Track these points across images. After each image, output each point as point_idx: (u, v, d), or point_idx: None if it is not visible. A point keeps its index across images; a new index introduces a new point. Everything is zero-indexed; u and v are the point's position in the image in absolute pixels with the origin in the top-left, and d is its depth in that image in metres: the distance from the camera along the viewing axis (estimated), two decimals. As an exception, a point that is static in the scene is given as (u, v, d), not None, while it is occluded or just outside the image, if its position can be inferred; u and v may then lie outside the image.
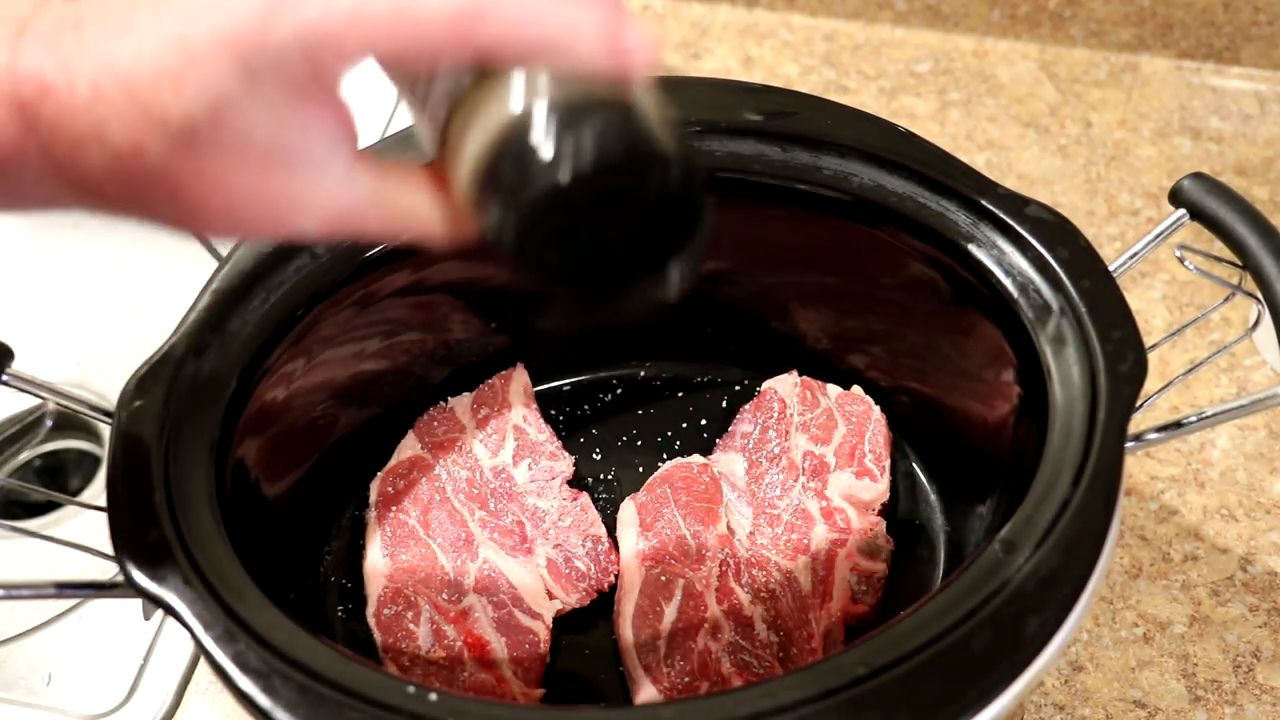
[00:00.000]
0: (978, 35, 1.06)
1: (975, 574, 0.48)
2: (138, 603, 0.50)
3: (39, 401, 0.65)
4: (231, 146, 0.35)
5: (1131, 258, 0.61)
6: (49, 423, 0.83)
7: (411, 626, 0.63)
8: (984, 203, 0.61)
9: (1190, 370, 0.61)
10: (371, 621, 0.64)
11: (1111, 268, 0.59)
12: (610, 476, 0.73)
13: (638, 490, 0.69)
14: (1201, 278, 0.62)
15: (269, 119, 0.35)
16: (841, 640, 0.64)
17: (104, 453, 0.73)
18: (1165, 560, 0.72)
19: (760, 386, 0.74)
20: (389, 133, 0.79)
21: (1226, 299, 0.61)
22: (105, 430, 0.79)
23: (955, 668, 0.45)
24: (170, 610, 0.48)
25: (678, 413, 0.76)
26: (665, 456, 0.73)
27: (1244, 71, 1.02)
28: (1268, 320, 0.55)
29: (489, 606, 0.65)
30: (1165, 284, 0.87)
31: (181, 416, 0.55)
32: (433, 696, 0.46)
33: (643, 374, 0.78)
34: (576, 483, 0.72)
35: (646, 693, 0.61)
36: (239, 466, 0.58)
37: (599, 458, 0.74)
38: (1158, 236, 0.61)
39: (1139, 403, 0.53)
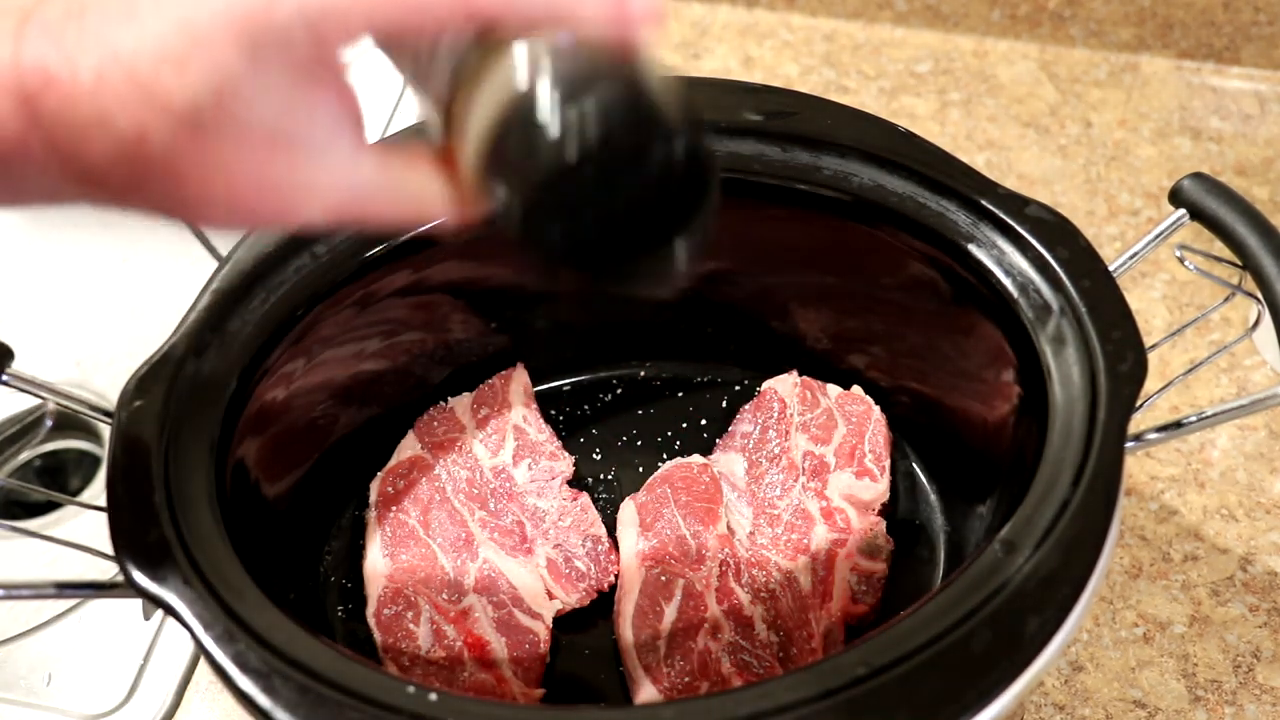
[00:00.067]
0: (978, 35, 1.06)
1: (975, 574, 0.48)
2: (138, 603, 0.50)
3: (39, 401, 0.65)
4: (236, 130, 0.35)
5: (1131, 258, 0.61)
6: (49, 423, 0.83)
7: (411, 626, 0.63)
8: (984, 203, 0.61)
9: (1190, 370, 0.61)
10: (371, 621, 0.64)
11: (1111, 268, 0.59)
12: (610, 476, 0.73)
13: (638, 490, 0.69)
14: (1201, 278, 0.62)
15: (273, 101, 0.35)
16: (841, 640, 0.64)
17: (104, 453, 0.73)
18: (1165, 560, 0.72)
19: (760, 386, 0.74)
20: (387, 133, 0.79)
21: (1226, 299, 0.61)
22: (105, 430, 0.79)
23: (955, 668, 0.45)
24: (170, 610, 0.48)
25: (678, 413, 0.76)
26: (665, 456, 0.73)
27: (1244, 71, 1.02)
28: (1268, 320, 0.55)
29: (489, 606, 0.65)
30: (1165, 284, 0.87)
31: (181, 416, 0.55)
32: (433, 696, 0.46)
33: (643, 374, 0.78)
34: (576, 483, 0.72)
35: (646, 693, 0.61)
36: (239, 466, 0.58)
37: (599, 458, 0.74)
38: (1158, 236, 0.61)
39: (1139, 403, 0.53)
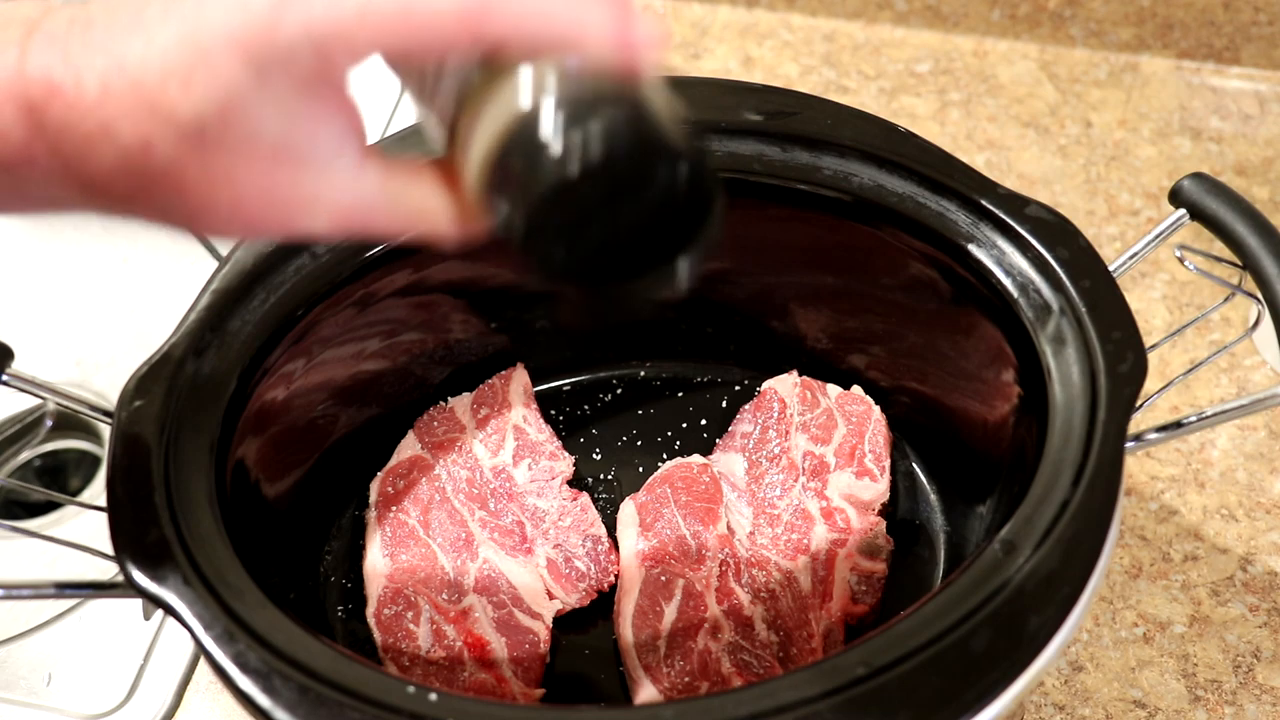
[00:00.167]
0: (978, 35, 1.06)
1: (975, 574, 0.48)
2: (138, 603, 0.50)
3: (39, 401, 0.65)
4: (240, 144, 0.35)
5: (1131, 258, 0.61)
6: (49, 423, 0.83)
7: (411, 626, 0.63)
8: (984, 203, 0.61)
9: (1190, 370, 0.61)
10: (371, 621, 0.64)
11: (1111, 268, 0.59)
12: (610, 476, 0.73)
13: (638, 490, 0.69)
14: (1201, 278, 0.62)
15: (278, 116, 0.35)
16: (841, 640, 0.64)
17: (104, 453, 0.73)
18: (1165, 560, 0.72)
19: (760, 386, 0.74)
20: (389, 132, 0.79)
21: (1226, 299, 0.61)
22: (105, 430, 0.79)
23: (955, 668, 0.45)
24: (170, 610, 0.48)
25: (678, 413, 0.76)
26: (665, 456, 0.73)
27: (1244, 71, 1.02)
28: (1268, 320, 0.55)
29: (489, 606, 0.65)
30: (1165, 284, 0.87)
31: (181, 416, 0.55)
32: (433, 696, 0.46)
33: (643, 374, 0.78)
34: (576, 483, 0.72)
35: (646, 693, 0.61)
36: (239, 466, 0.58)
37: (599, 458, 0.74)
38: (1158, 236, 0.61)
39: (1139, 403, 0.53)
